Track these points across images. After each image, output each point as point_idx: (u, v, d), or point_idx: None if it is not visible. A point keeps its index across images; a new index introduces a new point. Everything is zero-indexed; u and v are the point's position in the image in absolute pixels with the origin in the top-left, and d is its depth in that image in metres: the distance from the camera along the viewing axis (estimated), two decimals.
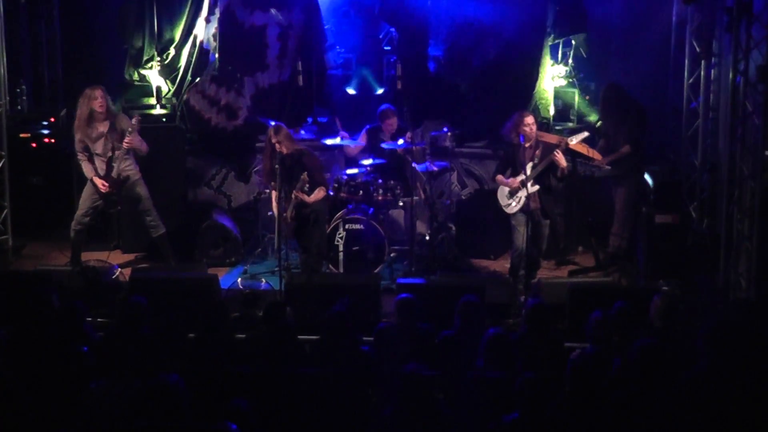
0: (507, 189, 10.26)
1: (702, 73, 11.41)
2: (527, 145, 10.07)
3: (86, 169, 10.75)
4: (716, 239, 10.78)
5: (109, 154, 10.71)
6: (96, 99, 10.62)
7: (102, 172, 10.71)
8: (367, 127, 11.71)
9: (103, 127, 10.69)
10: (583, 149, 10.63)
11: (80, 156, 10.77)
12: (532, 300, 8.59)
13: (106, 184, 10.69)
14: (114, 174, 10.71)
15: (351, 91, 13.01)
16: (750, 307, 9.67)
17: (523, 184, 10.01)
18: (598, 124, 11.93)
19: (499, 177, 10.41)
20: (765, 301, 9.57)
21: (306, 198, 10.36)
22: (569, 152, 10.43)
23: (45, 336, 7.32)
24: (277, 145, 10.26)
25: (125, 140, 10.58)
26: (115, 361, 6.70)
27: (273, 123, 10.59)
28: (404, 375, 6.31)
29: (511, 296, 10.03)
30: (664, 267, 10.60)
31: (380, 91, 12.83)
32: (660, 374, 6.34)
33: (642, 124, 11.20)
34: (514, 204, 10.22)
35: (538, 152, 10.12)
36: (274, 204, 10.44)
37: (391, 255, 11.18)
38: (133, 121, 10.68)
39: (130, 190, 10.88)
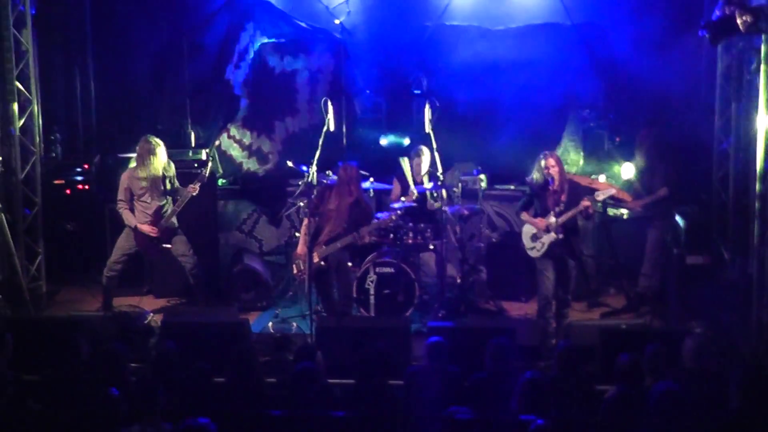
0: (531, 232, 10.07)
1: (732, 113, 11.39)
2: (553, 188, 9.95)
3: (128, 217, 10.83)
4: (748, 280, 10.69)
5: (158, 201, 10.83)
6: (152, 148, 10.76)
7: (146, 219, 10.80)
8: (396, 173, 11.79)
9: (150, 174, 10.78)
10: (614, 191, 10.58)
11: (120, 205, 10.85)
12: (563, 342, 8.50)
13: (155, 229, 10.78)
14: (164, 222, 10.82)
15: (383, 142, 13.03)
16: None
17: (548, 230, 9.94)
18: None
19: (525, 214, 10.18)
20: None
21: (365, 240, 10.39)
22: None
23: (74, 382, 7.36)
24: (347, 185, 10.30)
25: (190, 187, 10.74)
26: (147, 405, 6.73)
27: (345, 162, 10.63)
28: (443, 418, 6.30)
29: (542, 339, 9.97)
30: (696, 308, 10.51)
31: (407, 141, 12.82)
32: (683, 418, 6.28)
33: (678, 167, 11.18)
34: (537, 248, 10.03)
35: (563, 197, 9.91)
36: (301, 245, 10.45)
37: (422, 297, 11.16)
38: (203, 171, 10.90)
39: (174, 236, 11.01)
